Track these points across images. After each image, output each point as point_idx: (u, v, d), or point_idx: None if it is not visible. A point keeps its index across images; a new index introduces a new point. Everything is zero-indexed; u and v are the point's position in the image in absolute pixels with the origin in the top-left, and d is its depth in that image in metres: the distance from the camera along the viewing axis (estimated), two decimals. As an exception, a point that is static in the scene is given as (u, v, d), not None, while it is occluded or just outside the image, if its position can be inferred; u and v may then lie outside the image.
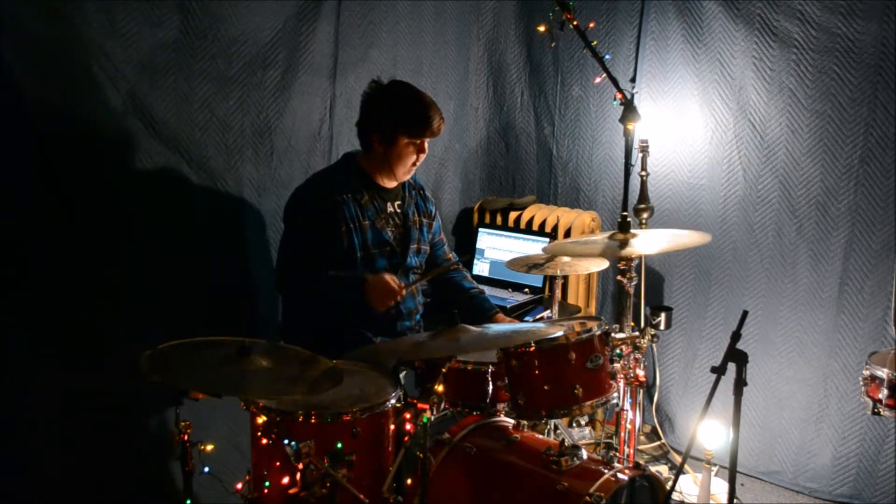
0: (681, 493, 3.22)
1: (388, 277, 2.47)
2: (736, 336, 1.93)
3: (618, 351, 2.41)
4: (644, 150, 3.21)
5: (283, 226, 2.67)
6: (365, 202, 2.60)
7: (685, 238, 2.66)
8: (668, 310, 3.48)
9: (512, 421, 2.36)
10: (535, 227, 3.67)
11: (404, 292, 2.47)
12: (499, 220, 3.81)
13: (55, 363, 2.39)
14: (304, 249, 2.54)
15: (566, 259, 2.80)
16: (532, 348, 2.22)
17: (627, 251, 2.44)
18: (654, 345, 3.47)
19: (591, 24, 2.88)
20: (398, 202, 2.71)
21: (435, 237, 2.85)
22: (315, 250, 2.53)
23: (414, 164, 2.61)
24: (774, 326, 3.32)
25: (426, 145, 2.60)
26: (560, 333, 2.27)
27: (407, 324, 2.71)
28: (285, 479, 1.98)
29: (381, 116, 2.55)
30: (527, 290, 3.46)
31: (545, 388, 2.24)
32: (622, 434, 2.60)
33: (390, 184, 2.67)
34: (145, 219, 2.57)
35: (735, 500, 2.06)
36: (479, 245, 3.73)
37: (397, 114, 2.53)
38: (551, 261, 2.81)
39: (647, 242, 2.52)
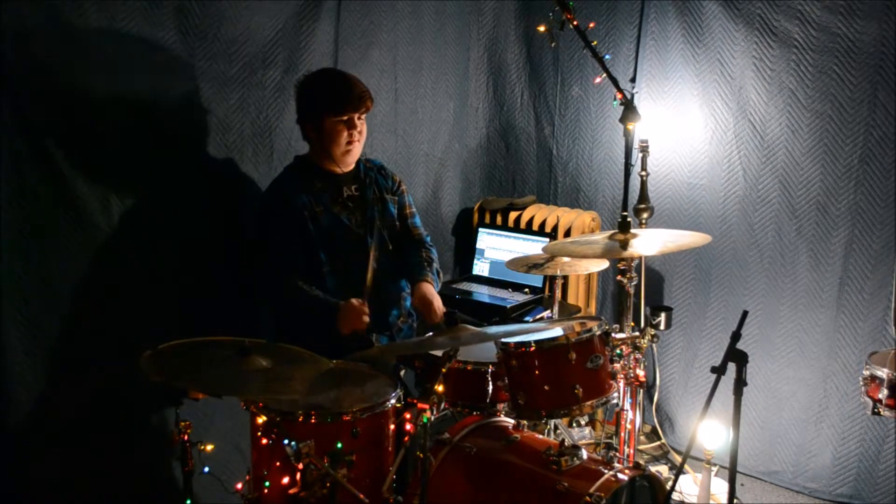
0: (681, 493, 3.22)
1: (356, 302, 2.44)
2: (736, 336, 1.93)
3: (618, 351, 2.40)
4: (644, 150, 3.21)
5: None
6: (318, 189, 2.64)
7: (686, 239, 2.65)
8: (668, 310, 3.48)
9: (512, 421, 2.36)
10: (535, 227, 3.67)
11: (367, 318, 2.43)
12: (499, 220, 3.81)
13: (55, 363, 2.39)
14: (268, 255, 2.59)
15: (566, 259, 2.80)
16: (532, 348, 2.22)
17: (628, 252, 2.44)
18: (654, 345, 3.47)
19: (591, 24, 2.89)
20: (354, 185, 2.73)
21: (403, 210, 2.87)
22: (280, 254, 2.56)
23: (350, 142, 2.61)
24: (774, 326, 3.32)
25: (357, 121, 2.61)
26: (560, 333, 2.27)
27: (395, 312, 2.74)
28: (285, 479, 1.98)
29: (308, 104, 2.62)
30: (527, 290, 3.46)
31: (545, 387, 2.23)
32: (622, 434, 2.60)
33: (338, 169, 2.68)
34: (145, 219, 2.57)
35: (735, 500, 2.06)
36: (479, 245, 3.73)
37: (318, 96, 2.59)
38: (551, 261, 2.81)
39: (646, 243, 2.52)
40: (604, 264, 2.96)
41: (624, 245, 2.44)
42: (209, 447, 2.00)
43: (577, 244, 2.68)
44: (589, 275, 3.68)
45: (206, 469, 2.07)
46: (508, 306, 3.27)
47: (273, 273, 2.58)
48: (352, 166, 2.72)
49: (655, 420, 3.68)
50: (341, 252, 2.62)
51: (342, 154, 2.63)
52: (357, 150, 2.67)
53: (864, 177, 3.04)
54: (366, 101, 2.60)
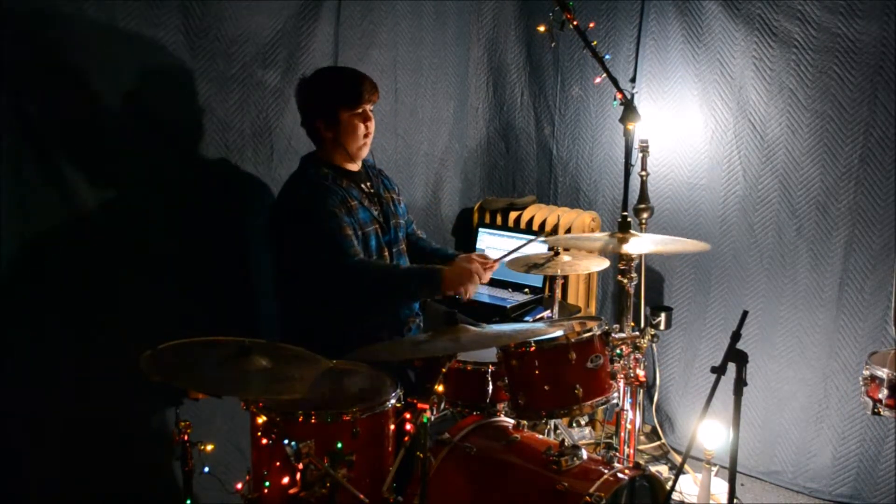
0: (681, 493, 3.22)
1: (465, 260, 2.57)
2: (736, 336, 1.93)
3: (618, 351, 2.41)
4: (644, 150, 3.21)
5: (287, 236, 2.56)
6: (346, 185, 2.64)
7: (683, 245, 2.66)
8: (668, 310, 3.48)
9: (512, 421, 2.36)
10: (535, 227, 3.67)
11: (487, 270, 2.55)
12: (499, 220, 3.81)
13: (55, 363, 2.39)
14: (331, 242, 2.48)
15: (566, 259, 2.80)
16: (532, 348, 2.22)
17: (625, 249, 2.44)
18: (654, 345, 3.48)
19: (591, 24, 2.89)
20: (368, 183, 2.76)
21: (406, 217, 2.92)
22: (353, 241, 2.52)
23: (365, 135, 2.62)
24: (774, 326, 3.32)
25: (370, 113, 2.62)
26: (560, 333, 2.27)
27: (407, 312, 2.75)
28: (285, 479, 1.98)
29: (317, 102, 2.60)
30: (527, 290, 3.46)
31: (545, 388, 2.24)
32: (622, 434, 2.61)
33: (353, 166, 2.70)
34: (145, 219, 2.57)
35: (735, 500, 2.06)
36: (479, 245, 3.73)
37: (329, 92, 2.58)
38: (551, 261, 2.81)
39: (645, 244, 2.52)
40: (604, 264, 2.96)
41: (622, 241, 2.44)
42: (209, 447, 2.00)
43: (581, 240, 2.69)
44: (589, 275, 3.68)
45: (206, 469, 2.07)
46: (508, 306, 3.27)
47: (355, 261, 2.49)
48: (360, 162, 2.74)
49: (655, 420, 3.68)
50: (370, 245, 2.63)
51: (358, 148, 2.64)
52: (369, 144, 2.67)
53: (864, 177, 3.04)
54: (376, 90, 2.62)
